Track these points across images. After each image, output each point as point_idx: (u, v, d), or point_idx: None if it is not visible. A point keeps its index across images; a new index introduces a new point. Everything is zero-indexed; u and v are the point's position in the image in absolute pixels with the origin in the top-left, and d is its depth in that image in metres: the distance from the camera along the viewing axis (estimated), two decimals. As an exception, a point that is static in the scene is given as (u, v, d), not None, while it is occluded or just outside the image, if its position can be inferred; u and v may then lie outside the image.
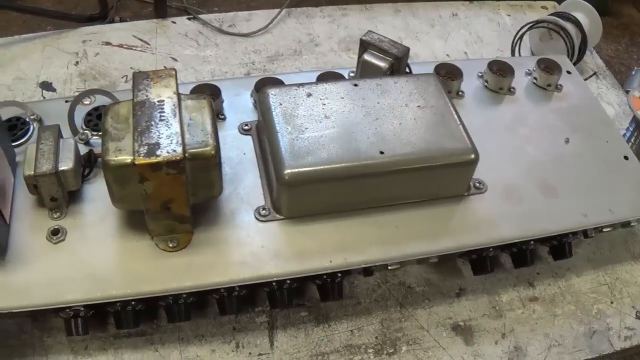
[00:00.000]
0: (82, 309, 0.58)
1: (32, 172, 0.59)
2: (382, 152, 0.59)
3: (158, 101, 0.57)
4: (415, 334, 0.61)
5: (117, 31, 0.90)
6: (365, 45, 0.66)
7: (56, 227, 0.60)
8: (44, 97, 0.79)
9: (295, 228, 0.60)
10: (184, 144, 0.54)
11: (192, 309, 0.59)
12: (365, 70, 0.66)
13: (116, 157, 0.54)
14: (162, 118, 0.56)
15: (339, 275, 0.60)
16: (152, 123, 0.56)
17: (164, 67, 0.82)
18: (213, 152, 0.55)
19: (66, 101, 0.69)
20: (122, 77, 0.82)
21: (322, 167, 0.58)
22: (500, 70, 0.73)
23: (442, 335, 0.61)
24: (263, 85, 0.69)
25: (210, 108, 0.58)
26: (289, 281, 0.59)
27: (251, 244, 0.59)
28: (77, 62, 0.84)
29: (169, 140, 0.54)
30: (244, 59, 0.83)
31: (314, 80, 0.70)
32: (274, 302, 0.61)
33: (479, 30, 0.89)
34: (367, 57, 0.66)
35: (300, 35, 0.86)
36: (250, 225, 0.60)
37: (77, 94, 0.77)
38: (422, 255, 0.61)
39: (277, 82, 0.69)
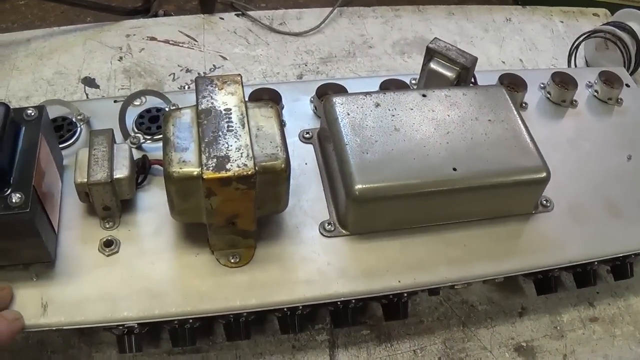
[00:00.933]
0: (136, 325, 0.54)
1: (85, 180, 0.54)
2: (455, 169, 0.55)
3: (225, 110, 0.53)
4: (478, 355, 0.57)
5: (162, 26, 0.85)
6: (431, 53, 0.62)
7: (109, 238, 0.56)
8: (86, 94, 0.74)
9: (362, 245, 0.55)
10: (254, 158, 0.50)
11: (251, 325, 0.55)
12: (430, 80, 0.62)
13: (180, 169, 0.50)
14: (230, 128, 0.51)
15: (405, 295, 0.56)
16: (220, 134, 0.51)
17: (213, 65, 0.77)
18: (283, 165, 0.50)
19: (115, 101, 0.64)
20: (170, 75, 0.77)
21: (394, 183, 0.54)
22: (562, 82, 0.69)
23: (505, 357, 0.58)
24: (325, 91, 0.64)
25: (277, 117, 0.54)
26: (354, 300, 0.56)
27: (317, 261, 0.55)
28: (121, 58, 0.79)
29: (238, 154, 0.50)
30: (296, 60, 0.78)
31: (375, 86, 0.65)
32: (338, 321, 0.57)
33: (533, 37, 0.85)
34: (433, 65, 0.61)
35: (353, 36, 0.81)
36: (315, 240, 0.56)
37: (122, 91, 0.72)
38: (491, 276, 0.57)
39: (339, 89, 0.64)
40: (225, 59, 0.78)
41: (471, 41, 0.61)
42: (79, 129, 0.62)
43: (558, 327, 0.61)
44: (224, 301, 0.53)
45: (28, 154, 0.53)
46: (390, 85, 0.65)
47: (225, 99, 0.53)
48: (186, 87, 0.73)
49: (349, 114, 0.58)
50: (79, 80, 0.77)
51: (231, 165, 0.49)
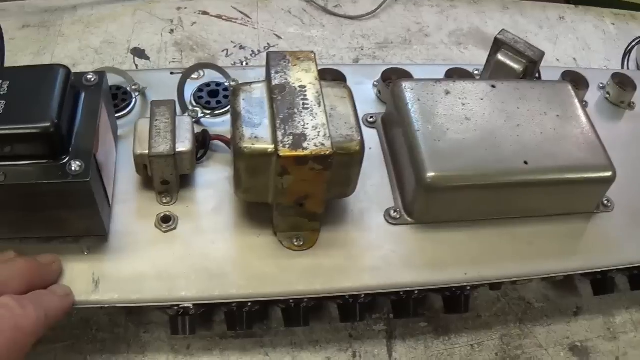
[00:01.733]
0: (192, 306, 0.50)
1: (146, 152, 0.50)
2: (526, 162, 0.52)
3: (299, 87, 0.49)
4: (534, 353, 0.55)
5: (214, 1, 0.80)
6: (499, 45, 0.59)
7: (167, 213, 0.52)
8: (136, 65, 0.70)
9: (428, 234, 0.52)
10: (331, 138, 0.46)
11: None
12: (497, 71, 0.59)
13: (253, 144, 0.46)
14: (306, 106, 0.48)
15: (469, 288, 0.54)
16: (296, 111, 0.48)
17: (268, 44, 0.73)
18: (358, 148, 0.47)
19: (171, 73, 0.60)
20: (223, 51, 0.73)
21: (466, 173, 0.51)
22: (621, 83, 0.66)
23: (560, 356, 0.55)
24: (389, 76, 0.61)
25: (351, 98, 0.50)
26: (417, 291, 0.53)
27: (381, 249, 0.51)
28: (172, 30, 0.75)
29: (315, 132, 0.46)
30: (352, 43, 0.74)
31: (438, 74, 0.62)
32: (399, 312, 0.54)
33: (585, 37, 0.82)
34: (501, 57, 0.58)
35: (409, 23, 0.78)
36: (380, 227, 0.52)
37: (174, 64, 0.69)
38: (555, 273, 0.54)
39: (405, 74, 0.61)
40: (279, 37, 0.74)
41: (526, 37, 0.59)
42: (134, 99, 0.58)
43: (611, 329, 0.58)
44: (287, 285, 0.49)
45: (88, 121, 0.49)
46: (456, 74, 0.62)
47: (300, 76, 0.50)
48: (244, 63, 0.70)
49: (419, 100, 0.55)
50: (128, 51, 0.73)
51: (308, 144, 0.46)
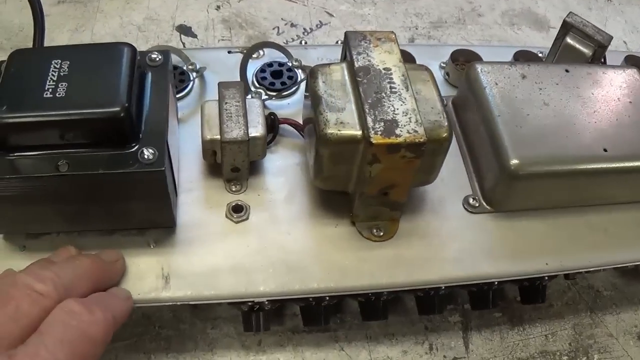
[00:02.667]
0: (267, 301, 0.46)
1: (218, 137, 0.46)
2: (605, 150, 0.49)
3: (384, 69, 0.45)
4: (605, 342, 0.52)
5: (261, -25, 0.74)
6: (567, 28, 0.55)
7: (238, 202, 0.48)
8: (182, 43, 0.65)
9: (507, 223, 0.49)
10: (422, 124, 0.43)
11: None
12: (565, 55, 0.56)
13: (339, 130, 0.42)
14: (393, 90, 0.44)
15: (547, 278, 0.51)
16: (384, 95, 0.44)
17: (320, 22, 0.68)
18: (446, 134, 0.43)
19: (229, 52, 0.55)
20: (274, 29, 0.67)
21: (549, 160, 0.48)
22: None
23: (630, 345, 0.53)
24: (457, 57, 0.57)
25: (434, 81, 0.46)
26: (497, 282, 0.50)
27: (462, 238, 0.48)
28: (218, 7, 0.69)
29: (406, 118, 0.42)
30: (406, 22, 0.70)
31: (502, 56, 0.58)
32: (477, 303, 0.51)
33: (633, 20, 0.78)
34: (570, 40, 0.55)
35: (462, 2, 0.73)
36: (459, 216, 0.49)
37: (223, 42, 0.64)
38: (633, 262, 0.52)
39: (475, 56, 0.57)
40: (331, 15, 0.69)
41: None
42: (192, 80, 0.53)
43: (676, 317, 0.57)
44: (369, 278, 0.46)
45: (157, 104, 0.44)
46: (521, 57, 0.59)
47: (383, 57, 0.46)
48: (302, 42, 0.65)
49: (497, 84, 0.51)
50: (173, 28, 0.67)
51: (401, 131, 0.42)
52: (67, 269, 0.40)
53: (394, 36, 0.48)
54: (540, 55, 0.60)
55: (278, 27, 0.68)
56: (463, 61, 0.57)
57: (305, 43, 0.62)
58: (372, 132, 0.42)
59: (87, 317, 0.36)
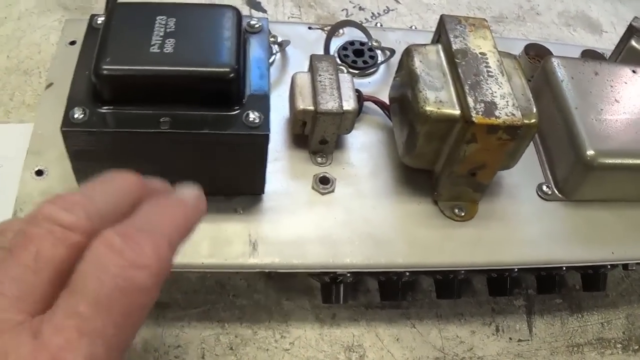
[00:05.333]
0: (349, 274, 0.48)
1: (311, 108, 0.47)
2: (673, 146, 0.53)
3: (480, 53, 0.47)
4: (654, 334, 0.56)
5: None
6: (632, 31, 0.59)
7: (325, 174, 0.49)
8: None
9: (579, 212, 0.52)
10: (519, 108, 0.45)
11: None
12: (628, 57, 0.59)
13: (438, 108, 0.44)
14: (490, 74, 0.46)
15: (609, 267, 0.54)
16: (482, 78, 0.46)
17: (387, 7, 0.70)
18: (535, 120, 0.46)
19: (310, 28, 0.56)
20: (342, 10, 0.69)
21: (622, 153, 0.51)
22: None
23: (676, 338, 0.57)
24: (528, 51, 0.60)
25: (522, 69, 0.49)
26: (564, 267, 0.52)
27: (536, 224, 0.50)
28: None
29: (504, 101, 0.45)
30: (469, 14, 0.72)
31: (569, 53, 0.61)
32: (543, 288, 0.54)
33: None
34: (635, 43, 0.59)
35: (521, 0, 0.76)
36: (533, 202, 0.51)
37: (293, 19, 0.65)
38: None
39: (545, 51, 0.60)
40: (398, 2, 0.71)
41: (626, 23, 0.60)
42: (275, 52, 0.54)
43: None
44: (451, 256, 0.48)
45: (260, 69, 0.46)
46: (588, 56, 0.62)
47: (478, 43, 0.48)
48: (378, 24, 0.66)
49: (572, 78, 0.54)
50: (243, 1, 0.67)
51: (500, 113, 0.44)
52: (105, 188, 0.29)
53: (486, 23, 0.50)
54: (603, 53, 0.63)
55: (347, 10, 0.69)
56: (533, 55, 0.60)
57: (381, 25, 0.63)
58: (474, 112, 0.44)
59: (131, 256, 0.25)
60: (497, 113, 0.44)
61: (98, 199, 0.28)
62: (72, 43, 0.55)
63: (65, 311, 0.24)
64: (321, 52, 0.55)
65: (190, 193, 0.31)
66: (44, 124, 0.49)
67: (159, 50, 0.42)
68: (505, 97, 0.45)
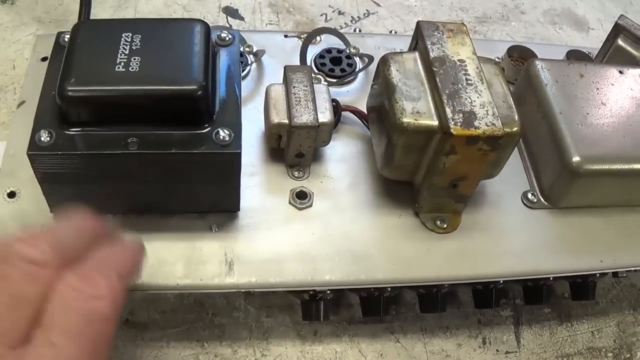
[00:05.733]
0: (329, 291, 0.47)
1: (286, 122, 0.46)
2: (662, 150, 0.52)
3: (458, 60, 0.46)
4: (646, 340, 0.55)
5: (307, -40, 0.73)
6: (619, 29, 0.57)
7: (302, 189, 0.48)
8: (229, 25, 0.64)
9: (565, 219, 0.50)
10: (500, 117, 0.43)
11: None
12: (615, 56, 0.57)
13: (416, 120, 0.43)
14: (469, 82, 0.45)
15: (598, 275, 0.52)
16: (460, 87, 0.44)
17: (367, 10, 0.68)
18: (517, 129, 0.44)
19: (285, 36, 0.55)
20: (321, 15, 0.67)
21: (610, 158, 0.49)
22: None
23: (669, 344, 0.56)
24: (511, 53, 0.58)
25: (503, 75, 0.47)
26: (552, 278, 0.51)
27: (522, 233, 0.49)
28: None
29: (484, 111, 0.43)
30: (452, 15, 0.70)
31: (554, 54, 0.60)
32: (531, 298, 0.52)
33: None
34: (621, 42, 0.57)
35: None
36: (518, 211, 0.50)
37: (270, 27, 0.63)
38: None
39: (529, 53, 0.58)
40: (378, 5, 0.69)
41: (613, 19, 0.58)
42: (250, 63, 0.52)
43: None
44: (435, 270, 0.46)
45: (230, 84, 0.44)
46: (572, 57, 0.60)
47: (457, 49, 0.46)
48: (356, 30, 0.65)
49: (557, 81, 0.52)
50: (219, 10, 0.66)
51: (479, 123, 0.42)
52: (64, 225, 0.33)
53: (465, 28, 0.48)
54: (589, 53, 0.61)
55: (326, 14, 0.67)
56: (517, 57, 0.58)
57: (359, 31, 0.62)
58: (452, 122, 0.42)
59: (89, 291, 0.30)
60: (476, 123, 0.42)
61: (60, 234, 0.32)
62: (44, 59, 0.53)
63: (43, 343, 0.28)
64: (298, 60, 0.53)
65: (133, 241, 0.37)
66: (15, 144, 0.48)
67: (124, 69, 0.40)
68: (485, 106, 0.43)
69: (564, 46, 0.60)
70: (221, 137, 0.41)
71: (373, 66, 0.53)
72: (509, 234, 0.49)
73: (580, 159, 0.49)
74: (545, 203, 0.51)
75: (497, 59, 0.59)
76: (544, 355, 0.51)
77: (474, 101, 0.44)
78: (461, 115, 0.43)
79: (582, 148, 0.49)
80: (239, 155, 0.41)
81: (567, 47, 0.60)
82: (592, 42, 0.72)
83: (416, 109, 0.44)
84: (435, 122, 0.43)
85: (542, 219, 0.50)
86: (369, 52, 0.55)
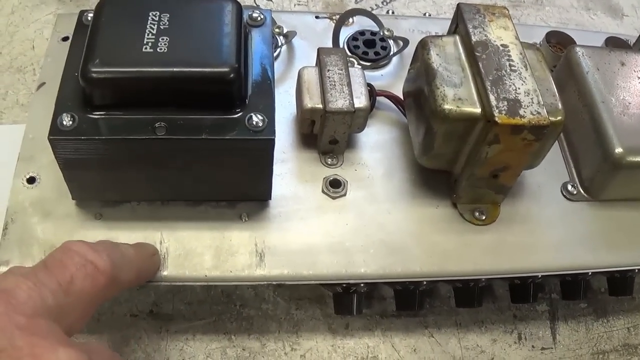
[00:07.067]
0: (363, 285, 0.44)
1: (320, 106, 0.43)
2: None
3: (501, 45, 0.43)
4: (682, 338, 0.52)
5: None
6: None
7: (335, 177, 0.45)
8: (257, 5, 0.60)
9: (606, 213, 0.48)
10: (545, 106, 0.41)
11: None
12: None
13: (458, 107, 0.40)
14: (513, 68, 0.42)
15: (637, 270, 0.50)
16: (504, 73, 0.42)
17: None
18: (562, 118, 0.42)
19: (317, 17, 0.52)
20: None
21: (655, 150, 0.47)
22: None
23: None
24: (549, 39, 0.55)
25: (546, 61, 0.45)
26: (590, 273, 0.48)
27: (561, 226, 0.47)
28: None
29: (529, 99, 0.41)
30: (485, 0, 0.67)
31: (592, 41, 0.56)
32: (569, 293, 0.50)
33: None
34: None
35: None
36: (558, 203, 0.48)
37: (299, 7, 0.61)
38: None
39: (568, 39, 0.55)
40: None
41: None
42: (280, 44, 0.50)
43: None
44: (473, 263, 0.44)
45: (264, 67, 0.42)
46: (611, 44, 0.57)
47: (499, 33, 0.44)
48: (389, 11, 0.62)
49: (598, 69, 0.49)
50: None
51: (524, 111, 0.40)
52: (116, 251, 0.36)
53: (507, 12, 0.46)
54: (627, 40, 0.58)
55: (356, -4, 0.65)
56: (555, 43, 0.55)
57: (393, 13, 0.59)
58: (496, 111, 0.40)
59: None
60: (521, 112, 0.40)
61: (114, 256, 0.35)
62: (65, 39, 0.51)
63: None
64: (329, 42, 0.50)
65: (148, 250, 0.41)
66: (35, 127, 0.45)
67: (152, 50, 0.38)
68: (529, 94, 0.41)
69: (601, 32, 0.57)
70: (254, 123, 0.38)
71: (408, 50, 0.51)
72: (548, 226, 0.47)
73: (623, 151, 0.46)
74: (585, 195, 0.49)
75: (536, 45, 0.56)
76: (580, 352, 0.49)
77: (519, 88, 0.41)
78: (505, 103, 0.40)
79: (624, 139, 0.46)
80: (272, 141, 0.39)
81: (604, 33, 0.57)
82: (627, 28, 0.69)
83: (458, 95, 0.41)
84: (479, 110, 0.41)
85: (581, 211, 0.48)
86: (403, 34, 0.52)
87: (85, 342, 0.35)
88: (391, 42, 0.53)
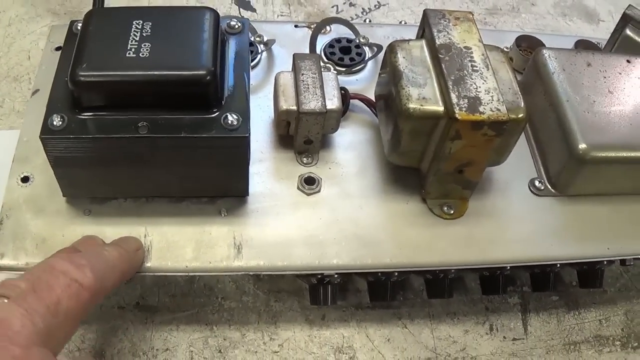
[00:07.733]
0: (337, 275, 0.47)
1: (294, 108, 0.46)
2: (669, 138, 0.51)
3: (464, 47, 0.46)
4: (655, 330, 0.54)
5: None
6: (627, 20, 0.57)
7: (310, 175, 0.48)
8: (241, 15, 0.64)
9: (571, 207, 0.50)
10: (504, 103, 0.43)
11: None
12: (623, 46, 0.57)
13: (422, 105, 0.43)
14: (475, 68, 0.45)
15: (605, 262, 0.52)
16: (465, 73, 0.44)
17: (378, 2, 0.68)
18: (523, 115, 0.44)
19: (296, 26, 0.55)
20: (332, 7, 0.68)
21: (616, 146, 0.49)
22: None
23: (678, 333, 0.55)
24: (520, 43, 0.58)
25: (509, 62, 0.47)
26: (558, 264, 0.51)
27: (529, 220, 0.49)
28: None
29: (489, 96, 0.43)
30: (462, 7, 0.70)
31: (563, 43, 0.59)
32: (538, 285, 0.52)
33: None
34: (629, 32, 0.57)
35: None
36: (525, 198, 0.50)
37: (282, 18, 0.64)
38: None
39: (538, 42, 0.58)
40: None
41: (621, 11, 0.57)
42: (260, 52, 0.53)
43: None
44: (441, 255, 0.46)
45: (239, 71, 0.45)
46: (580, 46, 0.60)
47: (463, 37, 0.47)
48: (367, 20, 0.65)
49: (564, 70, 0.52)
50: (232, 1, 0.67)
51: (484, 108, 0.43)
52: (100, 260, 0.39)
53: (471, 16, 0.48)
54: (598, 44, 0.61)
55: (337, 6, 0.68)
56: (525, 47, 0.58)
57: (369, 22, 0.62)
58: (457, 108, 0.42)
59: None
60: (481, 109, 0.42)
61: (97, 267, 0.37)
62: (59, 49, 0.54)
63: None
64: (307, 50, 0.53)
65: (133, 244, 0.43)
66: (30, 131, 0.49)
67: (134, 55, 0.41)
68: (490, 92, 0.43)
69: (572, 36, 0.60)
70: (229, 122, 0.41)
71: (382, 55, 0.54)
72: (516, 220, 0.49)
73: (587, 147, 0.48)
74: (552, 190, 0.51)
75: (505, 49, 0.59)
76: (551, 343, 0.51)
77: (479, 87, 0.44)
78: (466, 100, 0.43)
79: (588, 136, 0.49)
80: (246, 139, 0.42)
81: (576, 37, 0.60)
82: (603, 33, 0.71)
83: (422, 95, 0.44)
84: (441, 108, 0.43)
85: (548, 206, 0.50)
86: (378, 42, 0.55)
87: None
88: (366, 48, 0.55)
